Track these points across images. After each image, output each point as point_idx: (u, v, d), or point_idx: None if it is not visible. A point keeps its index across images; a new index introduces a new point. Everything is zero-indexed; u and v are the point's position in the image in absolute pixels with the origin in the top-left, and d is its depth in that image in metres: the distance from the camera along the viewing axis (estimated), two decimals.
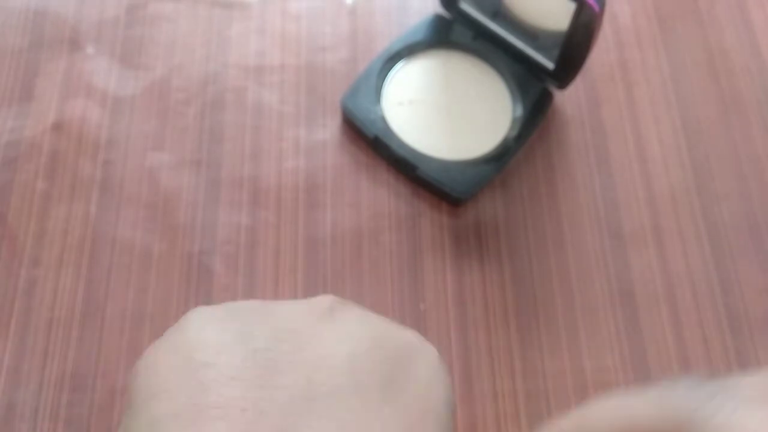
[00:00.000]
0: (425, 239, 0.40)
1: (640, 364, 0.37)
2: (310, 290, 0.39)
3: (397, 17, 0.46)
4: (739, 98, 0.44)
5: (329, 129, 0.43)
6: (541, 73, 0.42)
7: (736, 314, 0.38)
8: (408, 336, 0.25)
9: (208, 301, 0.38)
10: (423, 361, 0.24)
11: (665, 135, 0.43)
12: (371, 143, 0.41)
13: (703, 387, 0.18)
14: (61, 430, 0.35)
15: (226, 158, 0.42)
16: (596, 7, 0.35)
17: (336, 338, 0.23)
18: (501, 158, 0.41)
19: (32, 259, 0.39)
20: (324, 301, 0.24)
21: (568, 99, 0.44)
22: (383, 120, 0.41)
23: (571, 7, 0.36)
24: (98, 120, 0.43)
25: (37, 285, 0.38)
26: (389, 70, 0.43)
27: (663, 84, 0.45)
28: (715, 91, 0.44)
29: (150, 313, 0.38)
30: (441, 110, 0.42)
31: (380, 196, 0.41)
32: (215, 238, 0.40)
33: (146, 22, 0.46)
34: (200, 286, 0.39)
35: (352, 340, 0.23)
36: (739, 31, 0.46)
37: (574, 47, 0.38)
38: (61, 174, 0.41)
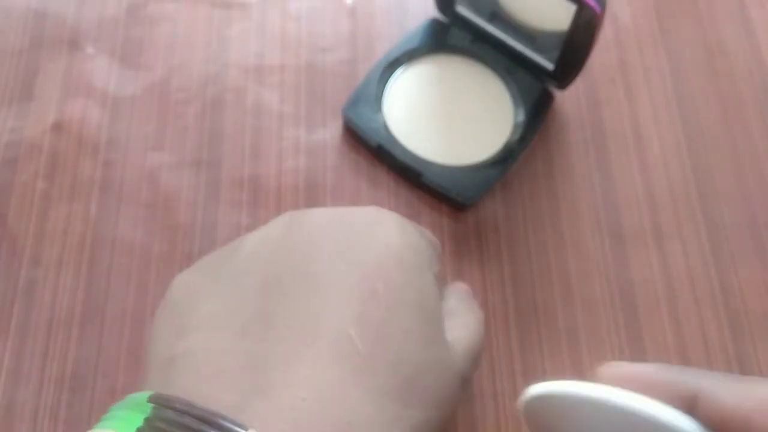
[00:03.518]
0: None
1: None
2: None
3: (398, 18, 0.46)
4: (739, 98, 0.44)
5: (329, 129, 0.43)
6: (540, 74, 0.42)
7: (736, 314, 0.38)
8: (365, 210, 0.28)
9: None
10: (380, 226, 0.27)
11: (665, 135, 0.43)
12: (374, 151, 0.41)
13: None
14: (61, 430, 0.35)
15: (226, 158, 0.42)
16: (597, 9, 0.35)
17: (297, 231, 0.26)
18: (505, 161, 0.41)
19: (32, 259, 0.39)
20: (282, 217, 0.27)
21: (568, 99, 0.44)
22: (385, 128, 0.41)
23: (571, 8, 0.36)
24: (98, 120, 0.43)
25: (37, 285, 0.38)
26: (389, 78, 0.43)
27: (663, 84, 0.45)
28: (715, 91, 0.44)
29: (150, 313, 0.38)
30: (442, 115, 0.42)
31: (380, 197, 0.41)
32: (215, 238, 0.40)
33: (146, 22, 0.46)
34: None
35: (310, 225, 0.26)
36: (739, 31, 0.46)
37: (574, 48, 0.38)
38: (61, 174, 0.41)
